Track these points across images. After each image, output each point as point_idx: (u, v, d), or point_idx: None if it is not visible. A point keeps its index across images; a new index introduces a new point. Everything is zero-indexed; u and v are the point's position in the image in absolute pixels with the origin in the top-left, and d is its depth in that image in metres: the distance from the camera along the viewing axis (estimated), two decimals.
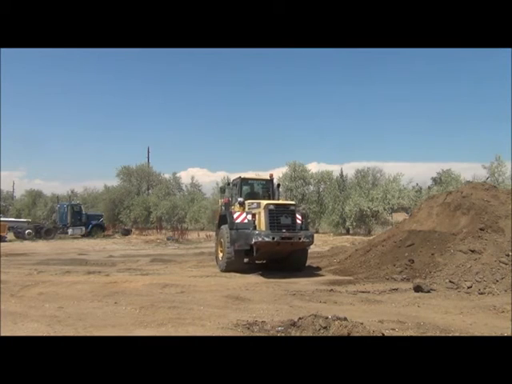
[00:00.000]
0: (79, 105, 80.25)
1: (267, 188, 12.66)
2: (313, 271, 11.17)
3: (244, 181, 12.29)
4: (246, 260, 11.12)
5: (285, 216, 10.41)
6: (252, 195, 12.26)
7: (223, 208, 12.15)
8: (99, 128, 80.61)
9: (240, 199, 11.59)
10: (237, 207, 11.59)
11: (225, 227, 10.95)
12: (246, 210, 11.24)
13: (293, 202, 11.72)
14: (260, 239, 9.93)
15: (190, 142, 79.54)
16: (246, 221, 10.66)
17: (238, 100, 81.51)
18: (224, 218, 11.51)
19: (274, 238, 9.97)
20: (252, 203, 11.28)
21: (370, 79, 75.33)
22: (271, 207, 10.43)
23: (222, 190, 13.39)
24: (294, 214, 10.67)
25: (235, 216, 10.87)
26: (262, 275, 10.47)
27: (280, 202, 11.73)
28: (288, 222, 10.43)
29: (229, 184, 13.24)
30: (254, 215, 10.62)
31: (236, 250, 10.46)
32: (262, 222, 10.40)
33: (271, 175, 12.88)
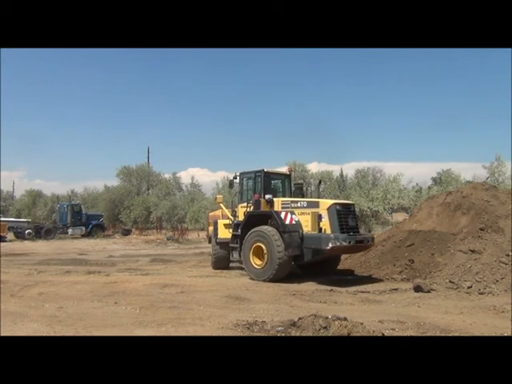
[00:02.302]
0: (79, 104, 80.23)
1: (285, 184, 11.62)
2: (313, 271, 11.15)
3: (266, 175, 10.96)
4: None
5: (350, 217, 9.58)
6: (268, 191, 10.90)
7: (248, 206, 10.71)
8: (99, 128, 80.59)
9: (268, 196, 10.39)
10: (263, 205, 10.36)
11: (271, 229, 9.57)
12: (280, 208, 10.12)
13: (352, 202, 10.83)
14: (338, 243, 8.83)
15: (190, 142, 79.46)
16: (293, 222, 9.60)
17: (238, 99, 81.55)
18: (260, 218, 10.18)
19: (350, 242, 9.02)
20: (295, 201, 10.07)
21: (370, 79, 75.37)
22: (338, 207, 9.38)
23: (231, 184, 11.74)
24: (356, 215, 10.00)
25: (282, 216, 9.68)
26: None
27: (344, 201, 10.79)
28: (353, 224, 9.63)
29: (235, 178, 11.59)
30: (320, 216, 9.29)
31: (289, 256, 9.30)
32: (325, 223, 9.19)
33: (290, 170, 11.97)
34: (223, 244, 11.39)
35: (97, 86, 79.71)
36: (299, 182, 11.88)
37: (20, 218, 39.44)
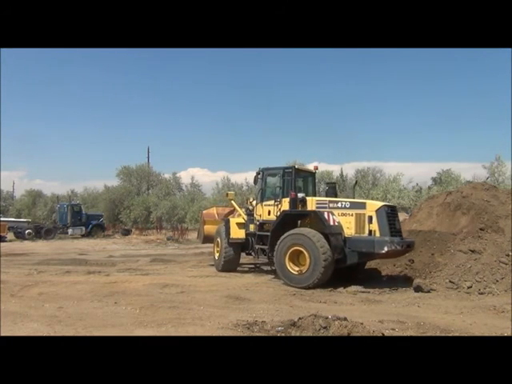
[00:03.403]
0: (79, 104, 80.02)
1: (308, 182, 10.93)
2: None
3: (297, 172, 10.26)
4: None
5: (396, 220, 9.24)
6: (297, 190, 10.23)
7: (284, 204, 9.82)
8: (99, 128, 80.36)
9: (302, 195, 9.81)
10: (304, 205, 9.63)
11: (313, 232, 8.82)
12: (314, 208, 9.52)
13: (395, 205, 10.40)
14: (393, 247, 8.39)
15: (190, 142, 79.24)
16: (335, 223, 8.99)
17: (238, 100, 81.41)
18: (295, 218, 9.68)
19: (402, 246, 8.65)
20: (334, 201, 9.42)
21: (370, 79, 75.30)
22: (387, 209, 8.92)
23: (256, 181, 10.84)
24: (399, 218, 9.60)
25: (326, 217, 9.03)
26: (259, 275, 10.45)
27: (390, 203, 10.17)
28: (399, 227, 9.24)
29: (259, 174, 10.73)
30: (371, 218, 8.74)
31: (333, 260, 8.63)
32: (374, 226, 8.67)
33: (316, 168, 11.17)
34: (235, 244, 10.84)
35: (97, 86, 79.65)
36: (332, 181, 11.29)
37: (20, 217, 39.42)
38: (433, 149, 65.01)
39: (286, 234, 9.14)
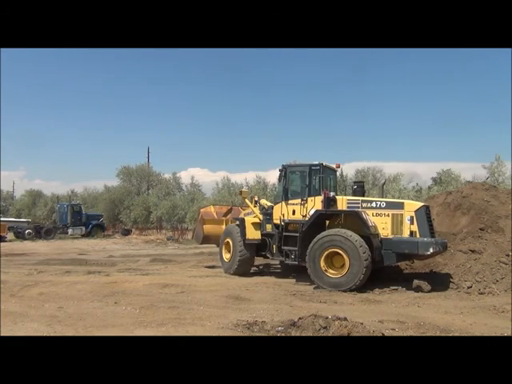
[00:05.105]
0: (79, 104, 79.84)
1: (330, 179, 10.36)
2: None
3: (324, 170, 9.74)
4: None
5: (432, 220, 9.04)
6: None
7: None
8: (99, 128, 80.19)
9: (332, 193, 9.45)
10: (322, 203, 9.17)
11: (350, 233, 8.42)
12: (345, 207, 9.16)
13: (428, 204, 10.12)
14: (438, 249, 8.26)
15: (190, 142, 79.13)
16: (372, 224, 8.66)
17: (238, 100, 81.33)
18: (328, 218, 9.35)
19: (443, 247, 8.50)
20: (367, 201, 9.06)
21: (370, 79, 75.28)
22: (427, 210, 8.76)
23: (280, 178, 10.18)
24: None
25: (365, 217, 8.60)
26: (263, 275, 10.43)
27: (426, 203, 9.78)
28: (434, 228, 9.05)
29: (281, 171, 10.16)
30: (412, 218, 8.45)
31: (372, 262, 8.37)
32: (414, 226, 8.43)
33: (338, 166, 10.65)
34: (251, 245, 10.42)
35: (97, 87, 79.56)
36: (360, 180, 10.82)
37: (20, 218, 39.34)
38: (433, 149, 64.96)
39: (320, 236, 8.71)
